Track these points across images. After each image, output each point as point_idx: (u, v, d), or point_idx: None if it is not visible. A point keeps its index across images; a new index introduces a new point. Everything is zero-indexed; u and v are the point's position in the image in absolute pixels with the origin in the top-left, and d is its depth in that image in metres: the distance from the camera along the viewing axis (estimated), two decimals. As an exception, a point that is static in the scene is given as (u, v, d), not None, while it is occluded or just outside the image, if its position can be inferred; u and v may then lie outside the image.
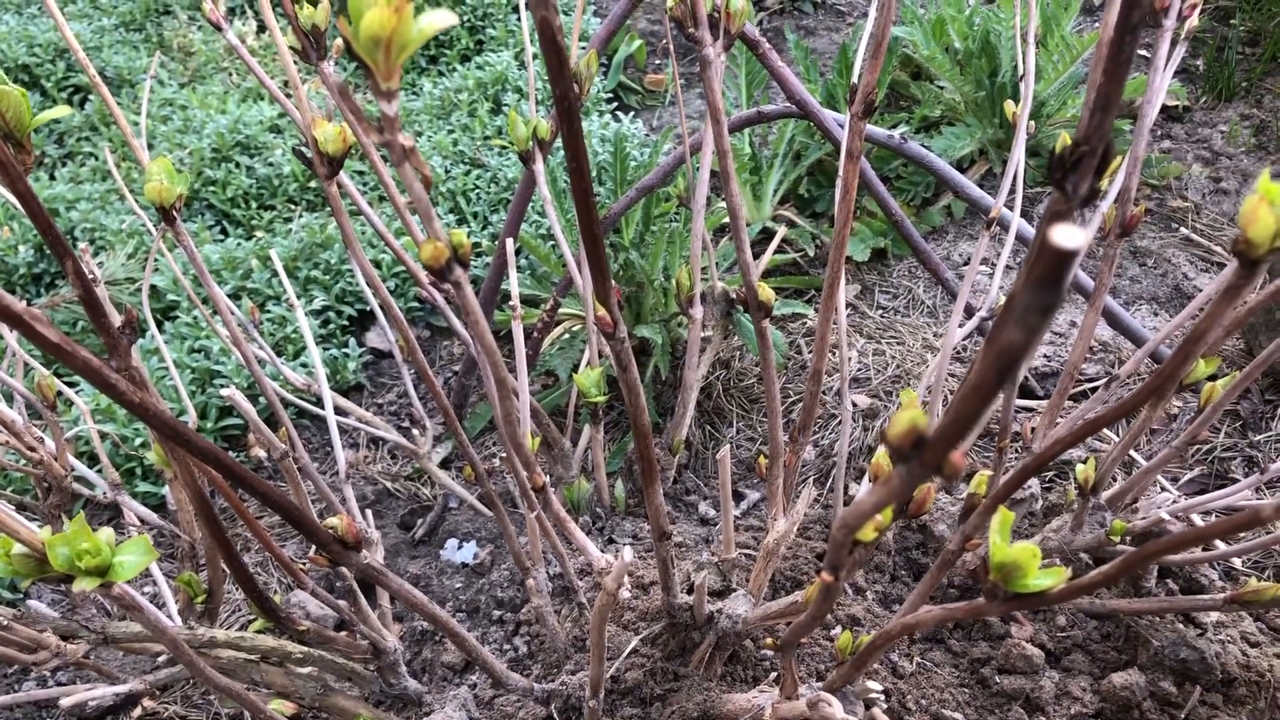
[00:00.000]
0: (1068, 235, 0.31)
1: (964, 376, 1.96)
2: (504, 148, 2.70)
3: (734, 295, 1.70)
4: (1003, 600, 0.75)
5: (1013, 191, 1.52)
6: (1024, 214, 2.14)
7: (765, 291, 1.11)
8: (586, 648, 1.37)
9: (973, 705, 1.29)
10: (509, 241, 1.33)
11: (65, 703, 1.14)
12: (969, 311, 1.62)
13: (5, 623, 1.09)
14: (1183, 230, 2.32)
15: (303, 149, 1.15)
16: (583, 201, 0.79)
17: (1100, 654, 1.37)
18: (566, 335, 2.05)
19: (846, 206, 1.14)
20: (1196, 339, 0.77)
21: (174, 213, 1.02)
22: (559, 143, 2.56)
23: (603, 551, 1.15)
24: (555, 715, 1.25)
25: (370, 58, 0.56)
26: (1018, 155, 1.47)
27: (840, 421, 1.89)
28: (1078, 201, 0.66)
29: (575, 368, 1.94)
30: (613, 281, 0.90)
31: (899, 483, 0.46)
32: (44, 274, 2.41)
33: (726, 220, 2.26)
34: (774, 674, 1.27)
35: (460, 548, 1.79)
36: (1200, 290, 2.12)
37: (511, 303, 1.33)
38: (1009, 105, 1.48)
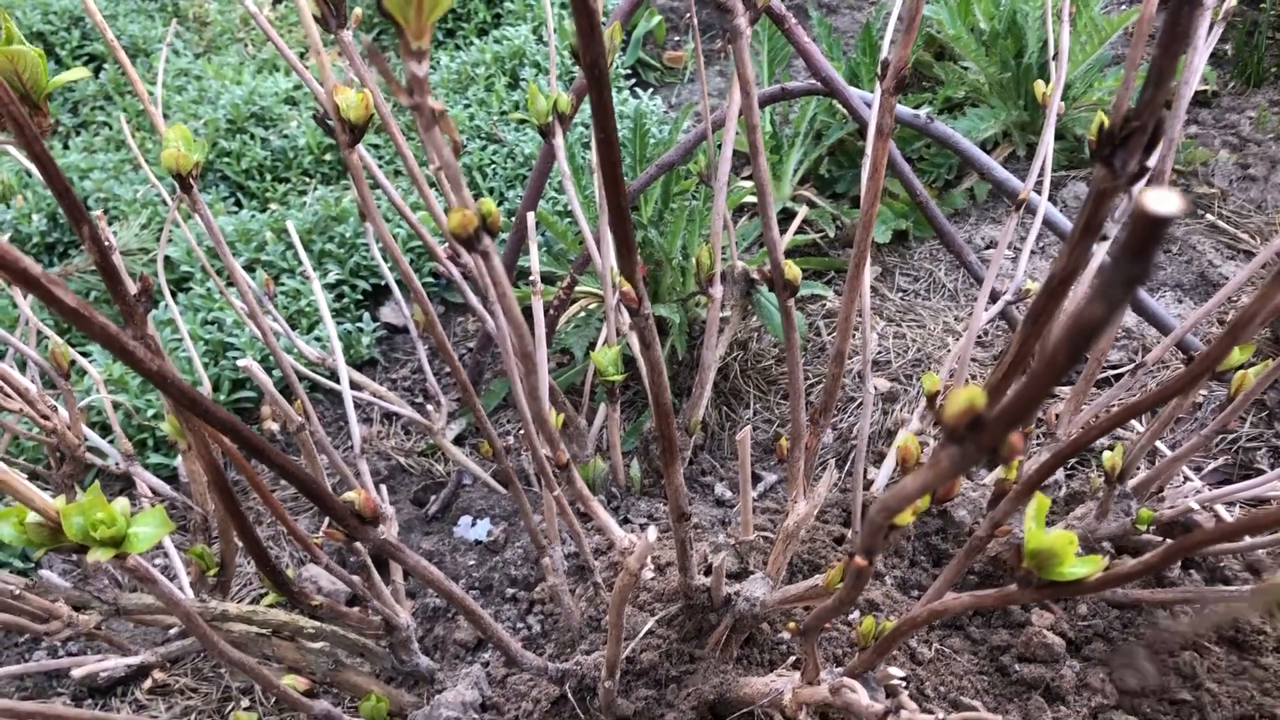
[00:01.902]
0: (1162, 200, 0.29)
1: (992, 360, 1.94)
2: (521, 122, 2.68)
3: (754, 275, 1.68)
4: (1036, 588, 0.73)
5: (1041, 174, 1.50)
6: (1049, 198, 2.11)
7: (792, 269, 1.09)
8: (601, 628, 1.35)
9: (991, 693, 1.28)
10: (529, 215, 1.31)
11: (77, 673, 1.13)
12: (993, 296, 1.60)
13: (18, 592, 1.08)
14: (1209, 217, 2.29)
15: (325, 119, 1.13)
16: (610, 173, 0.76)
17: (1122, 644, 1.35)
18: (583, 314, 2.03)
19: (875, 184, 1.11)
20: (1246, 322, 0.75)
21: (191, 180, 1.00)
22: (577, 119, 2.53)
23: (620, 531, 1.13)
24: (569, 695, 1.24)
25: (401, 15, 0.54)
26: (1048, 137, 1.44)
27: (859, 404, 1.87)
28: (1125, 179, 0.64)
29: (591, 346, 1.92)
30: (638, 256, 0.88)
31: (950, 465, 0.44)
32: (57, 243, 2.40)
33: (745, 200, 2.24)
34: (792, 658, 1.25)
35: (474, 525, 1.77)
36: (1226, 278, 2.09)
37: (531, 278, 1.31)
38: (1039, 85, 1.45)
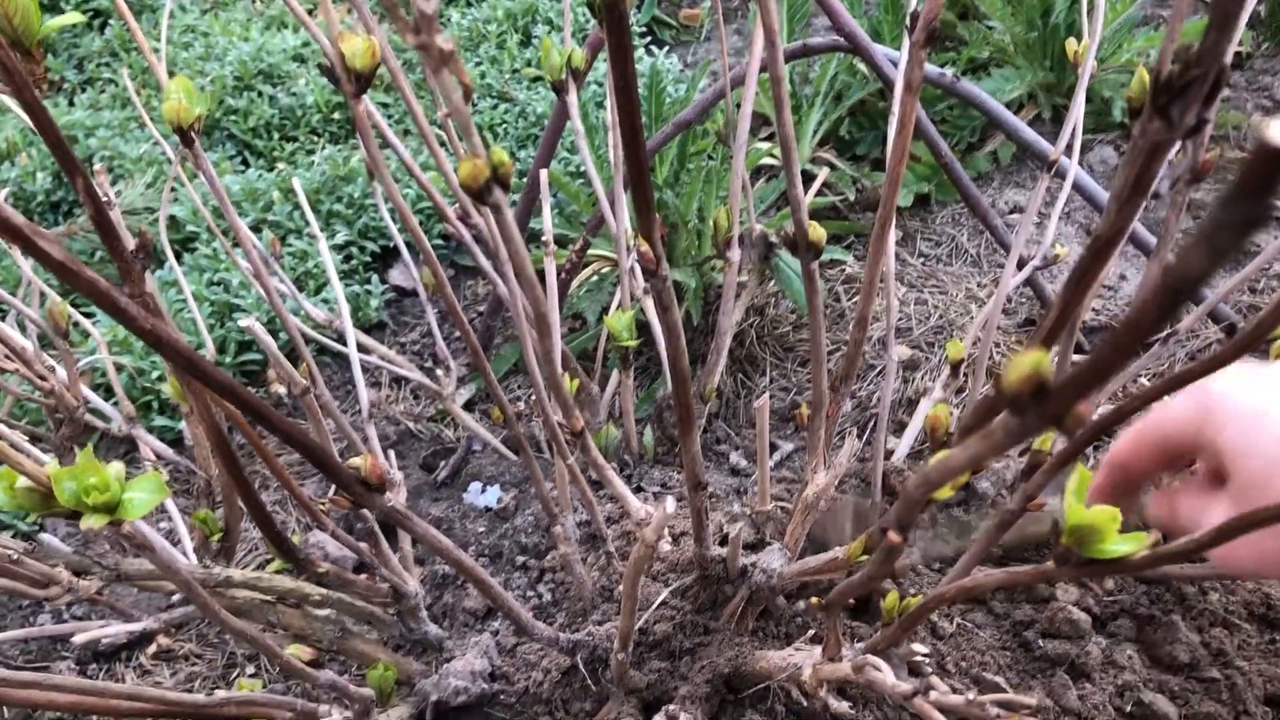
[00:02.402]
0: (1289, 130, 0.25)
1: (1017, 328, 1.89)
2: (535, 80, 2.62)
3: (773, 238, 1.63)
4: (1076, 565, 0.70)
5: (1072, 135, 1.44)
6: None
7: (816, 230, 1.04)
8: (613, 597, 1.33)
9: (1014, 669, 1.24)
10: (543, 172, 1.26)
11: (78, 639, 1.11)
12: (1019, 262, 1.55)
13: (16, 556, 1.05)
14: (1239, 183, 2.22)
15: (331, 70, 1.08)
16: (629, 124, 0.72)
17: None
18: (595, 278, 1.99)
19: (903, 141, 1.06)
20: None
21: (193, 134, 0.96)
22: (590, 77, 2.47)
23: (635, 500, 1.10)
24: (580, 666, 1.21)
25: (406, -58, 0.50)
26: (1080, 96, 1.38)
27: (879, 372, 1.83)
28: (1181, 131, 0.59)
29: (604, 311, 1.88)
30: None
31: (1007, 436, 0.40)
32: (62, 202, 2.36)
33: (764, 161, 2.18)
34: (810, 632, 1.22)
35: (484, 491, 1.75)
36: (1259, 247, 2.04)
37: (544, 238, 1.27)
38: (1070, 43, 1.39)
